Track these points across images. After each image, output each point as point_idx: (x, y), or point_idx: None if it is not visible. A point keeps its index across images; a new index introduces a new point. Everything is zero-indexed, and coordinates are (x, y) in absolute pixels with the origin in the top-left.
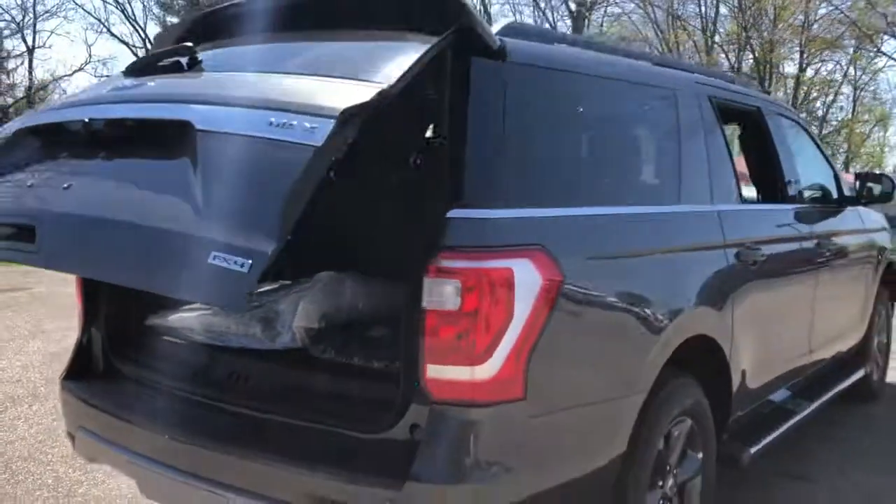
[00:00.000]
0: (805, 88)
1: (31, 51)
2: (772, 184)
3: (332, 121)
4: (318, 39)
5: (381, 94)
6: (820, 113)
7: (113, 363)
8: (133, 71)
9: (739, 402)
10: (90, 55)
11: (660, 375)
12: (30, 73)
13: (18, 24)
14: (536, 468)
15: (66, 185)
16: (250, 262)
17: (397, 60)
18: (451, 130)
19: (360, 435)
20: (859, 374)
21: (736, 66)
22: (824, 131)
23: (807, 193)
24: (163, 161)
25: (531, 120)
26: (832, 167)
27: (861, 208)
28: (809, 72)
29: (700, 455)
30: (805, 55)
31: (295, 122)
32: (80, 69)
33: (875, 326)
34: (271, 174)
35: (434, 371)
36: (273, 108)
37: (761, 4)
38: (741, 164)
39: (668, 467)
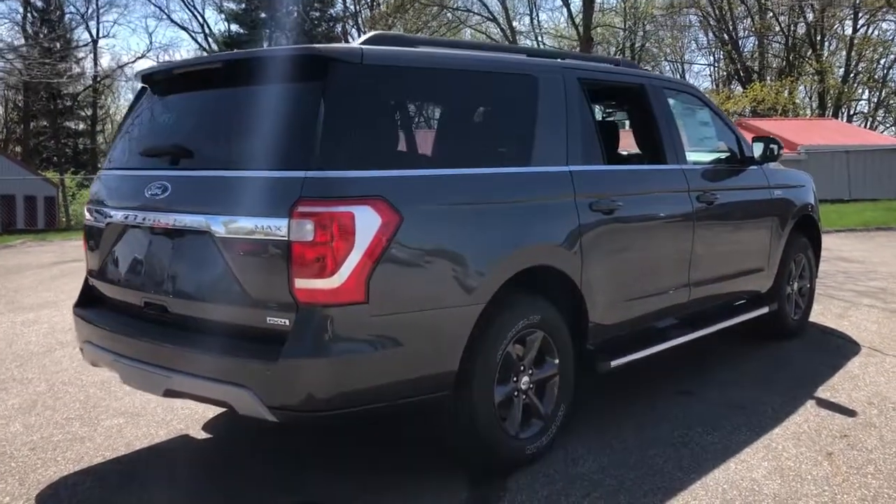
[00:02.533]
0: (859, 50)
1: (95, 41)
2: (655, 148)
3: None
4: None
5: None
6: (879, 74)
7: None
8: None
9: (601, 326)
10: (151, 42)
11: (501, 293)
12: (95, 62)
13: (83, 15)
14: (385, 357)
15: None
16: None
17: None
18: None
19: (248, 325)
20: (761, 311)
21: (789, 28)
22: (883, 93)
23: (700, 155)
24: None
25: (382, 104)
26: (734, 132)
27: (775, 167)
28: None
29: (556, 361)
30: (860, 15)
31: None
32: (143, 56)
33: (787, 273)
34: None
35: (300, 283)
36: None
37: None
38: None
39: (521, 367)
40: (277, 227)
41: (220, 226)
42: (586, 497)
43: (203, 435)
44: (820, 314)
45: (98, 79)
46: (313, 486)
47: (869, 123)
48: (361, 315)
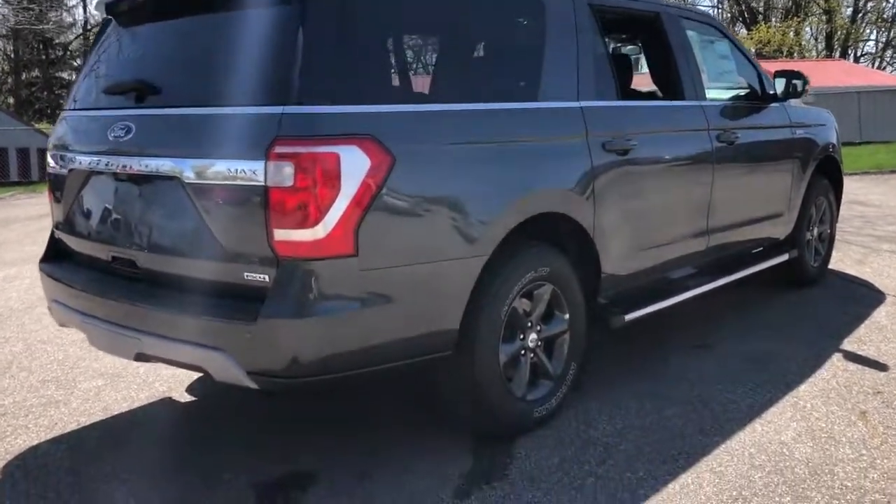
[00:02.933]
0: None
1: None
2: (673, 83)
3: None
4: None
5: None
6: (888, 13)
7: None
8: None
9: (614, 277)
10: None
11: (506, 243)
12: (84, 9)
13: None
14: (377, 316)
15: None
16: None
17: None
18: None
19: (224, 282)
20: (781, 258)
21: None
22: (892, 33)
23: (719, 92)
24: None
25: (370, 29)
26: (755, 67)
27: (796, 105)
28: None
29: (566, 316)
30: None
31: None
32: None
33: (808, 217)
34: None
35: (280, 235)
36: None
37: None
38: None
39: (529, 323)
40: (252, 171)
41: (189, 170)
42: (601, 464)
43: (187, 398)
44: (839, 261)
45: (89, 27)
46: (305, 455)
47: (877, 64)
48: (350, 269)
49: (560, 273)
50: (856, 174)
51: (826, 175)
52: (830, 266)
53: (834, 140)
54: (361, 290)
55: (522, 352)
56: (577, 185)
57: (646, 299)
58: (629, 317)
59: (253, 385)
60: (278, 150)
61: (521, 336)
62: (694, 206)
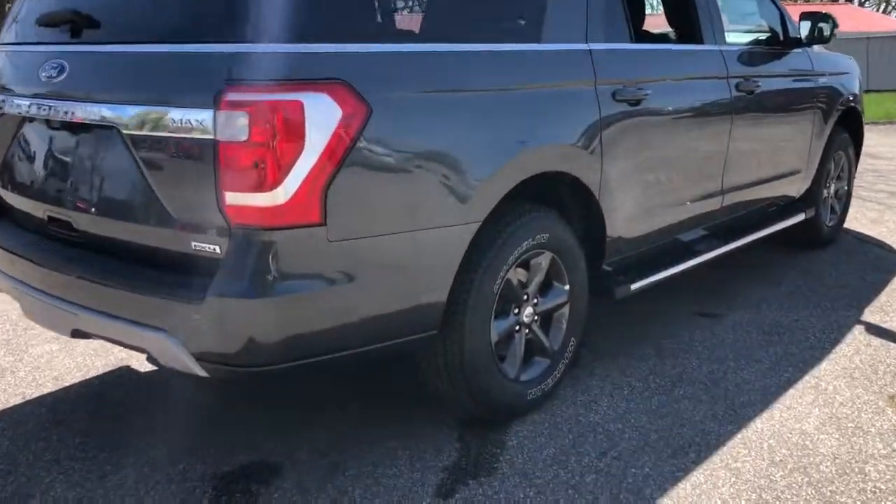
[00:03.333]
0: None
1: None
2: (690, 24)
3: None
4: None
5: None
6: None
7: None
8: None
9: (621, 242)
10: None
11: (501, 207)
12: None
13: None
14: (351, 293)
15: None
16: None
17: None
18: None
19: (171, 250)
20: (797, 218)
21: None
22: None
23: (739, 36)
24: None
25: None
26: (778, 7)
27: (819, 50)
28: None
29: (566, 287)
30: None
31: None
32: None
33: (826, 173)
34: None
35: (232, 199)
36: None
37: None
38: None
39: (525, 296)
40: (200, 122)
41: (128, 119)
42: (602, 457)
43: (147, 367)
44: (853, 219)
45: None
46: (271, 441)
47: (882, 8)
48: (316, 241)
49: (560, 239)
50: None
51: (846, 128)
52: (844, 225)
53: (857, 90)
54: (330, 266)
55: (517, 328)
56: (583, 140)
57: (654, 266)
58: (636, 286)
59: (202, 373)
60: (230, 97)
61: (516, 310)
62: (709, 161)
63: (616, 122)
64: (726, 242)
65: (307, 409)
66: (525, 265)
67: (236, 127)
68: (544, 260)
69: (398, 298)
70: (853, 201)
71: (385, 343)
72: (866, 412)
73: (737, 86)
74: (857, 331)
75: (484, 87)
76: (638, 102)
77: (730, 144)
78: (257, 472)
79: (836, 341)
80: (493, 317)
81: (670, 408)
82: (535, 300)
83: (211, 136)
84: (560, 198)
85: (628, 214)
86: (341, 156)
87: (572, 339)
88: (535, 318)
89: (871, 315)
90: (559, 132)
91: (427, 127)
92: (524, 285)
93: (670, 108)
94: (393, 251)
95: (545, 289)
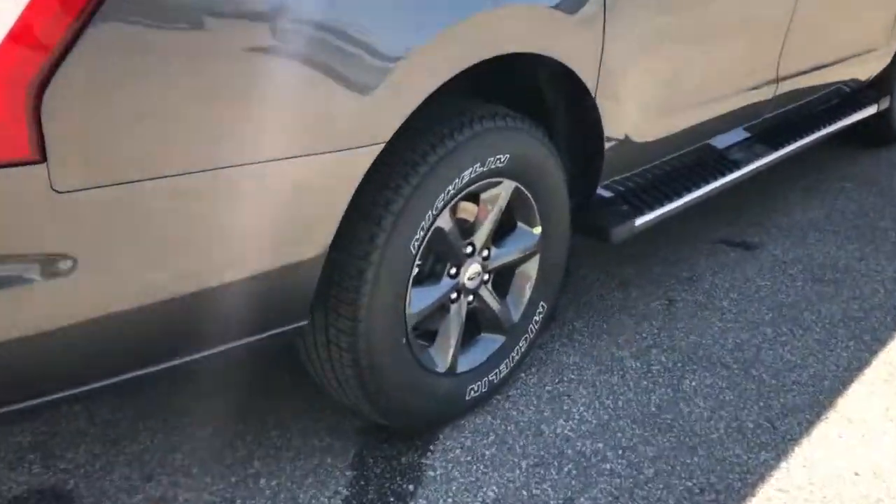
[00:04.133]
0: None
1: None
2: None
3: None
4: None
5: None
6: None
7: None
8: None
9: (625, 152)
10: None
11: (423, 114)
12: None
13: None
14: (111, 286)
15: None
16: None
17: None
18: None
19: None
20: (867, 111)
21: None
22: None
23: None
24: None
25: None
26: None
27: None
28: None
29: (537, 230)
30: None
31: None
32: None
33: None
34: None
35: None
36: None
37: None
38: None
39: (468, 249)
40: None
41: None
42: None
43: None
44: None
45: None
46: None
47: None
48: (36, 189)
49: (529, 161)
50: None
51: None
52: None
53: None
54: (55, 236)
55: (454, 296)
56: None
57: (671, 187)
58: (644, 219)
59: None
60: None
61: (453, 270)
62: (763, 33)
63: None
64: (774, 148)
65: (177, 411)
66: (474, 198)
67: None
68: (503, 192)
69: (208, 283)
70: None
71: (192, 356)
72: None
73: None
74: None
75: None
76: None
77: (796, 9)
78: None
79: None
80: (409, 286)
81: (679, 423)
82: (486, 252)
83: None
84: (530, 96)
85: (640, 111)
86: (67, 34)
87: (542, 304)
88: (485, 278)
89: None
90: None
91: None
92: (468, 230)
93: None
94: (195, 202)
95: (502, 234)
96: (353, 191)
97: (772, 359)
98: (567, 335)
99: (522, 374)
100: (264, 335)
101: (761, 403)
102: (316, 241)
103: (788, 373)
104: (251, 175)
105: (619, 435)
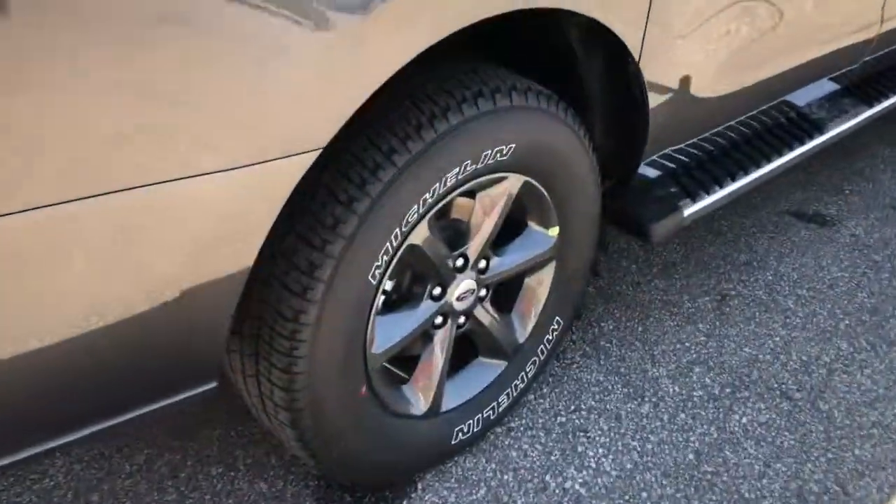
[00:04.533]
0: None
1: None
2: None
3: None
4: None
5: None
6: None
7: None
8: None
9: (680, 120)
10: None
11: (398, 93)
12: None
13: None
14: None
15: None
16: None
17: None
18: None
19: None
20: None
21: None
22: None
23: None
24: None
25: None
26: None
27: None
28: None
29: (552, 231)
30: None
31: None
32: None
33: None
34: None
35: None
36: None
37: None
38: None
39: (456, 263)
40: None
41: None
42: None
43: None
44: None
45: None
46: None
47: None
48: None
49: (544, 148)
50: None
51: None
52: None
53: None
54: None
55: (437, 321)
56: None
57: (732, 164)
58: (699, 206)
59: None
60: None
61: (437, 290)
62: None
63: None
64: (868, 104)
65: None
66: (471, 194)
67: None
68: (508, 190)
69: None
70: None
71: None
72: None
73: None
74: None
75: None
76: None
77: None
78: None
79: None
80: (370, 320)
81: (719, 464)
82: (484, 262)
83: None
84: (545, 64)
85: (701, 57)
86: None
87: (556, 319)
88: (482, 294)
89: None
90: None
91: None
92: (460, 232)
93: None
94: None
95: (504, 240)
96: (274, 212)
97: (847, 387)
98: (591, 341)
99: (531, 396)
100: (156, 405)
101: (829, 455)
102: (231, 287)
103: (867, 409)
104: (153, 199)
105: (645, 495)
